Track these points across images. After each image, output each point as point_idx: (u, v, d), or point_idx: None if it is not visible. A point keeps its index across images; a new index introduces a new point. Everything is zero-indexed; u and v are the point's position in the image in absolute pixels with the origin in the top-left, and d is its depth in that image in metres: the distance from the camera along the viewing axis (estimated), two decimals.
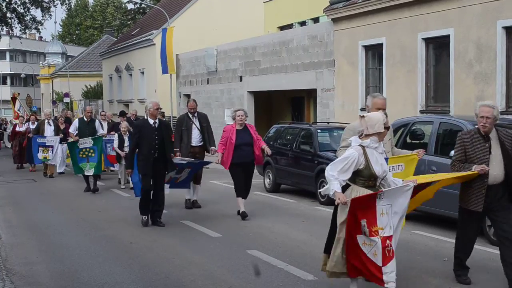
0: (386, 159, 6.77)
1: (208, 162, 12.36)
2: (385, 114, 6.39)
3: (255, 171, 11.86)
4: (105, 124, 18.70)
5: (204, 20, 33.16)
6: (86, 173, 15.44)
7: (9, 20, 37.71)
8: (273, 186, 15.33)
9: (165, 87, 29.69)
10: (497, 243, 9.00)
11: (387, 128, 6.28)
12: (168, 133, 11.20)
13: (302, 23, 25.94)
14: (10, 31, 40.21)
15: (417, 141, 11.20)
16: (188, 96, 29.10)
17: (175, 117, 28.02)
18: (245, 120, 11.48)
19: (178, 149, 12.27)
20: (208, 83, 27.13)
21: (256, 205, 12.70)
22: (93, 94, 51.56)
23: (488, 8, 13.50)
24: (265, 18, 29.86)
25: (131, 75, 38.65)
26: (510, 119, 11.36)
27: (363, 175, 6.19)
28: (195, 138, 12.60)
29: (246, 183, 11.50)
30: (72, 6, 79.92)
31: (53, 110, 46.37)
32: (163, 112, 18.49)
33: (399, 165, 7.28)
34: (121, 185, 16.15)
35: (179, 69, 29.57)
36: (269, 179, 15.56)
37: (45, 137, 18.81)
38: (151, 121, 10.72)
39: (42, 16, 39.41)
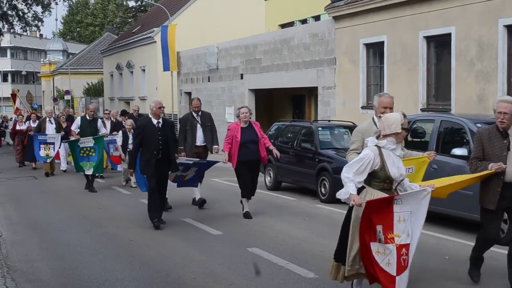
0: None
1: (215, 162, 12.04)
2: (404, 115, 6.16)
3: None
4: (108, 123, 18.62)
5: (205, 18, 33.15)
6: (86, 173, 15.32)
7: (10, 18, 37.65)
8: (274, 184, 15.34)
9: (166, 84, 29.70)
10: (504, 242, 9.03)
11: (405, 129, 6.06)
12: (173, 132, 10.92)
13: (303, 21, 25.91)
14: (12, 29, 40.08)
15: (418, 140, 11.20)
16: (189, 94, 29.09)
17: (176, 115, 28.09)
18: (250, 118, 11.34)
19: (183, 148, 12.13)
20: (209, 81, 27.12)
21: (257, 203, 12.69)
22: (94, 91, 51.57)
23: (489, 6, 13.49)
24: (266, 16, 29.84)
25: (132, 72, 38.65)
26: None
27: (378, 177, 5.98)
28: (200, 137, 12.43)
29: (253, 181, 11.35)
30: (73, 2, 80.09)
31: (54, 107, 46.41)
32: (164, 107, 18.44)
33: (409, 168, 7.07)
34: (122, 182, 16.14)
35: (180, 66, 29.56)
36: (270, 177, 15.56)
37: (46, 134, 18.65)
38: (154, 121, 10.47)
39: (42, 13, 39.35)
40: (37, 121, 20.60)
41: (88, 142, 15.42)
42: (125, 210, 12.49)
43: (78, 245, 9.18)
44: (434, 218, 10.68)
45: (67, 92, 50.85)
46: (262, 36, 23.84)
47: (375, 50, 17.41)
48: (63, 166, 19.69)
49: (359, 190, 6.01)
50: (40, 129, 18.93)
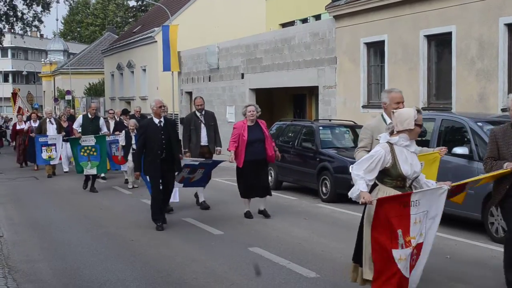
0: None
1: (221, 161, 11.87)
2: (418, 110, 5.93)
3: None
4: (112, 123, 18.54)
5: (206, 17, 33.15)
6: (86, 173, 15.10)
7: (11, 18, 37.63)
8: (275, 184, 15.32)
9: (167, 84, 29.70)
10: (498, 239, 9.03)
11: (419, 125, 5.85)
12: (175, 132, 10.76)
13: (304, 20, 25.90)
14: (12, 29, 40.03)
15: (419, 138, 11.16)
16: (189, 93, 29.09)
17: (177, 114, 28.08)
18: (257, 116, 11.12)
19: (187, 150, 11.96)
20: (209, 81, 27.11)
21: (257, 203, 12.69)
22: (95, 91, 51.59)
23: (490, 5, 13.48)
24: (266, 15, 29.82)
25: (132, 72, 38.66)
26: None
27: (390, 175, 5.79)
28: (204, 137, 12.23)
29: (264, 181, 11.13)
30: (74, 1, 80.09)
31: (54, 107, 46.42)
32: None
33: (419, 163, 6.91)
34: (129, 185, 15.67)
35: (181, 66, 29.55)
36: (271, 176, 15.53)
37: (46, 136, 18.51)
38: (156, 120, 10.35)
39: (41, 12, 39.32)
40: (37, 121, 20.54)
41: (89, 140, 15.27)
42: (126, 210, 12.48)
43: (79, 245, 9.18)
44: None
45: (68, 92, 50.87)
46: (262, 36, 23.83)
47: (376, 49, 17.40)
48: (65, 168, 19.51)
49: (372, 188, 5.85)
50: (41, 130, 18.81)
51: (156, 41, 33.45)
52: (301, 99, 23.80)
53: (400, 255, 5.54)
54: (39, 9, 38.87)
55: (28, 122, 21.96)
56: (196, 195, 12.57)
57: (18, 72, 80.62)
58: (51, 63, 64.69)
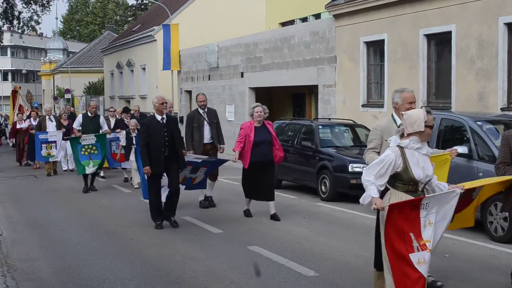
0: None
1: (225, 160, 11.71)
2: (428, 111, 5.72)
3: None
4: (112, 120, 18.42)
5: (206, 16, 33.13)
6: (88, 171, 14.86)
7: (9, 16, 37.56)
8: (275, 182, 15.31)
9: (167, 83, 29.71)
10: (497, 238, 9.04)
11: (429, 126, 5.62)
12: (177, 128, 10.53)
13: (304, 19, 25.90)
14: (12, 28, 39.98)
15: None
16: (189, 92, 29.08)
17: (176, 113, 28.05)
18: (264, 117, 10.94)
19: (191, 150, 11.67)
20: (209, 79, 27.11)
21: (256, 202, 12.69)
22: (94, 90, 51.59)
23: (489, 4, 13.47)
24: (266, 14, 29.82)
25: (132, 71, 38.65)
26: None
27: (402, 179, 5.60)
28: (207, 135, 12.06)
29: (269, 184, 10.91)
30: (73, 2, 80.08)
31: (54, 106, 46.39)
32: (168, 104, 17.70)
33: None
34: (135, 185, 15.19)
35: (180, 65, 29.55)
36: None
37: (46, 132, 18.45)
38: (158, 117, 10.19)
39: (42, 10, 39.26)
40: (37, 119, 20.51)
41: (90, 139, 15.06)
42: (125, 208, 12.48)
43: (78, 243, 9.18)
44: None
45: (68, 91, 50.85)
46: (262, 35, 23.82)
47: (376, 48, 17.39)
48: (64, 166, 19.42)
49: (384, 192, 5.66)
50: (41, 127, 18.79)
51: (155, 40, 33.44)
52: (300, 98, 23.80)
53: (418, 258, 5.36)
54: (39, 8, 38.76)
55: (28, 120, 21.86)
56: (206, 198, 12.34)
57: (18, 71, 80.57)
58: (51, 61, 64.65)
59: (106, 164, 16.32)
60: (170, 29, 28.25)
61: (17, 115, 23.90)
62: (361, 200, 5.62)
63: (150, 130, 10.12)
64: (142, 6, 60.31)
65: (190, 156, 11.02)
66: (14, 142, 24.04)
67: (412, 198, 5.55)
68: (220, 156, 12.38)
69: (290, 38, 21.04)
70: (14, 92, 29.30)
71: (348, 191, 13.03)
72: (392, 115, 6.73)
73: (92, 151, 14.98)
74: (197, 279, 7.20)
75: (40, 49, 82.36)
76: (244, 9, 33.54)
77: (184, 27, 29.61)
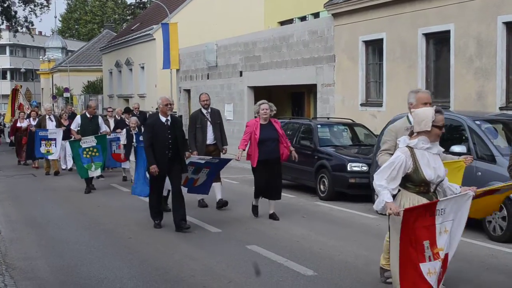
0: None
1: (228, 160, 11.37)
2: (439, 111, 5.54)
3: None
4: (111, 120, 18.28)
5: (204, 15, 33.13)
6: (91, 175, 14.64)
7: (6, 14, 37.46)
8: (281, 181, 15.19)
9: (165, 82, 29.71)
10: (495, 238, 9.04)
11: (437, 126, 5.44)
12: (181, 130, 10.35)
13: (303, 18, 25.90)
14: (11, 27, 39.87)
15: None
16: (188, 91, 29.08)
17: (175, 112, 28.04)
18: (271, 115, 10.71)
19: (195, 151, 11.41)
20: (208, 78, 27.11)
21: (266, 206, 12.68)
22: (93, 89, 51.57)
23: (488, 3, 13.48)
24: (265, 13, 29.82)
25: (131, 70, 38.64)
26: (511, 115, 11.35)
27: (412, 180, 5.47)
28: (211, 135, 11.86)
29: (276, 182, 10.72)
30: (72, 1, 79.99)
31: (53, 105, 46.31)
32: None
33: None
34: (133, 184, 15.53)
35: (179, 64, 29.56)
36: None
37: (47, 130, 18.27)
38: (163, 119, 9.98)
39: (40, 9, 39.15)
40: (37, 119, 20.44)
41: (90, 141, 14.71)
42: (124, 207, 12.47)
43: (76, 242, 9.17)
44: None
45: (66, 90, 50.83)
46: (261, 34, 23.82)
47: (374, 47, 17.40)
48: (63, 165, 19.16)
49: (395, 195, 5.53)
50: (40, 126, 18.72)
51: (154, 39, 33.44)
52: (299, 97, 23.81)
53: (428, 268, 5.23)
54: (38, 9, 38.65)
55: (28, 119, 21.70)
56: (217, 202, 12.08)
57: (16, 70, 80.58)
58: (50, 60, 64.62)
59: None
60: (169, 28, 28.23)
61: (19, 114, 23.71)
62: (374, 206, 5.50)
63: (154, 131, 9.92)
64: (141, 5, 60.28)
65: (193, 157, 10.81)
66: (13, 140, 23.90)
67: (425, 200, 5.42)
68: (223, 156, 12.09)
69: (288, 37, 21.04)
70: (15, 91, 29.20)
71: (347, 190, 13.04)
72: (407, 116, 6.59)
73: (93, 154, 14.66)
74: (195, 278, 7.20)
75: (39, 48, 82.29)
76: (243, 8, 33.55)
77: (183, 26, 29.61)
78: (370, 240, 9.18)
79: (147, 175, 10.48)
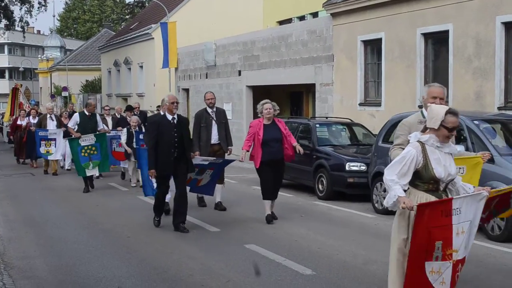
0: None
1: (231, 161, 11.25)
2: (452, 112, 5.25)
3: (252, 165, 11.10)
4: (109, 119, 18.18)
5: (203, 14, 33.13)
6: (89, 173, 14.45)
7: (9, 13, 37.46)
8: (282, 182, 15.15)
9: (164, 81, 29.71)
10: (494, 237, 9.05)
11: (447, 128, 5.20)
12: (187, 130, 10.15)
13: (301, 18, 25.90)
14: (10, 26, 39.81)
15: None
16: (186, 90, 29.08)
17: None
18: (274, 114, 10.56)
19: (197, 151, 11.18)
20: (206, 78, 27.10)
21: (254, 200, 12.70)
22: (92, 88, 51.56)
23: (487, 3, 13.49)
24: (264, 12, 29.81)
25: (129, 69, 38.63)
26: (509, 115, 11.36)
27: (421, 177, 5.26)
28: (215, 135, 11.70)
29: (276, 183, 10.56)
30: (69, 1, 79.91)
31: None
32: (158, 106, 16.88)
33: (460, 168, 6.25)
34: (132, 184, 15.22)
35: (178, 63, 29.55)
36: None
37: (47, 130, 18.15)
38: (169, 117, 9.75)
39: (38, 8, 39.16)
40: (37, 117, 20.24)
41: (89, 139, 14.52)
42: (123, 206, 12.47)
43: (75, 241, 9.17)
44: None
45: (65, 89, 50.80)
46: (260, 33, 23.82)
47: (373, 47, 17.40)
48: (66, 165, 18.98)
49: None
50: (41, 126, 18.55)
51: (153, 38, 33.42)
52: (298, 97, 23.81)
53: (432, 267, 5.06)
54: (35, 9, 38.60)
55: (27, 118, 21.60)
56: (200, 198, 12.08)
57: (15, 68, 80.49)
58: (48, 59, 64.59)
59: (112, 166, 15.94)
60: (167, 27, 28.23)
61: (19, 112, 23.63)
62: (385, 202, 5.31)
63: (160, 129, 9.70)
64: (140, 4, 60.26)
65: (197, 159, 10.57)
66: (12, 138, 23.82)
67: (433, 198, 5.23)
68: (227, 157, 11.99)
69: (287, 36, 21.04)
70: (15, 90, 29.19)
71: (345, 189, 13.05)
72: (422, 111, 6.49)
73: (91, 152, 14.47)
74: (194, 278, 7.20)
75: (37, 47, 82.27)
76: (242, 7, 33.56)
77: (181, 25, 29.60)
78: (368, 240, 9.19)
79: (149, 177, 10.40)
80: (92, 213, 11.72)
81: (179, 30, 28.60)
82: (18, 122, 21.86)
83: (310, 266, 7.57)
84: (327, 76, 18.97)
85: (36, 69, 69.42)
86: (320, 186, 13.48)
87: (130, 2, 65.55)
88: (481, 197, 5.29)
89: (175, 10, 33.86)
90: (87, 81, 52.82)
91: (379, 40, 16.76)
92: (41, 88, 67.02)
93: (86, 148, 14.44)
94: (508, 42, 13.20)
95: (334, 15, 18.56)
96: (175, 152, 9.67)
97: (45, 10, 41.75)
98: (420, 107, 14.99)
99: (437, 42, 15.28)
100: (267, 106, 10.48)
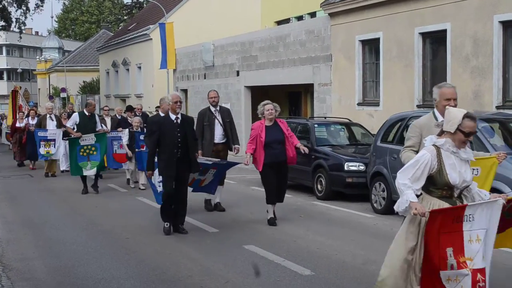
0: None
1: (236, 163, 11.06)
2: (470, 117, 5.04)
3: (251, 165, 10.98)
4: (108, 119, 18.09)
5: (201, 15, 33.13)
6: (85, 173, 14.29)
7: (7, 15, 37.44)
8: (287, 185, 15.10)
9: (162, 82, 29.70)
10: None
11: (464, 132, 5.00)
12: (192, 130, 9.92)
13: (299, 18, 25.91)
14: (8, 27, 39.79)
15: None
16: (185, 91, 29.07)
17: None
18: (276, 115, 10.33)
19: (200, 150, 11.01)
20: (205, 78, 27.10)
21: (252, 201, 12.70)
22: (90, 89, 51.55)
23: (484, 2, 13.49)
24: (262, 13, 29.81)
25: (128, 70, 38.61)
26: (508, 114, 11.36)
27: (435, 183, 5.06)
28: (218, 134, 11.53)
29: (280, 185, 10.34)
30: (67, 2, 79.88)
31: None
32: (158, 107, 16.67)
33: (474, 169, 6.03)
34: (131, 185, 15.17)
35: (176, 63, 29.55)
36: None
37: (46, 130, 17.96)
38: (172, 117, 9.52)
39: (34, 9, 39.12)
40: (36, 118, 20.07)
41: (89, 139, 14.35)
42: (121, 207, 12.46)
43: (74, 243, 9.16)
44: None
45: (63, 90, 50.77)
46: (258, 33, 23.83)
47: (371, 46, 17.41)
48: (62, 166, 18.97)
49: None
50: (40, 126, 18.34)
51: (151, 39, 33.42)
52: (296, 97, 23.82)
53: (449, 276, 4.85)
54: (31, 10, 38.59)
55: (26, 119, 21.50)
56: (207, 201, 11.89)
57: (13, 70, 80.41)
58: (46, 60, 64.57)
59: (105, 163, 15.61)
60: (165, 27, 28.24)
61: (18, 114, 23.54)
62: (395, 207, 5.12)
63: (162, 129, 9.49)
64: (138, 5, 60.26)
65: (200, 159, 10.43)
66: (11, 141, 23.74)
67: (447, 205, 5.04)
68: (233, 158, 11.88)
69: (285, 36, 21.05)
70: (14, 92, 29.19)
71: (344, 189, 13.05)
72: (434, 112, 6.27)
73: (91, 152, 14.30)
74: (192, 278, 7.19)
75: (35, 48, 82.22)
76: (240, 7, 33.56)
77: (179, 26, 29.61)
78: (367, 240, 9.19)
79: (152, 180, 10.31)
80: (91, 215, 11.70)
81: (177, 31, 28.60)
82: (17, 125, 21.78)
83: (309, 266, 7.56)
84: (325, 76, 18.97)
85: (34, 70, 69.43)
86: (319, 186, 13.48)
87: (128, 3, 65.52)
88: (497, 205, 5.02)
89: (173, 11, 33.86)
90: (84, 82, 52.78)
91: (377, 39, 16.77)
92: (39, 89, 66.98)
93: (85, 147, 14.29)
94: (506, 41, 13.22)
95: (332, 15, 18.57)
96: (178, 152, 9.43)
97: (41, 11, 41.63)
98: (419, 106, 15.10)
99: (435, 41, 15.29)
100: (269, 107, 10.26)
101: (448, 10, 14.42)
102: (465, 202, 5.14)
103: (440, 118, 6.02)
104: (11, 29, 40.10)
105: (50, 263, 8.04)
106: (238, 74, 24.30)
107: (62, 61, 58.05)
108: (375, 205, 11.70)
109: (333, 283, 6.94)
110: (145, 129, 14.46)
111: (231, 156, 12.19)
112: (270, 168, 10.12)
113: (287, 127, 10.47)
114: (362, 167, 12.79)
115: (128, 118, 16.91)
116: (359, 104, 17.62)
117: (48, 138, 17.99)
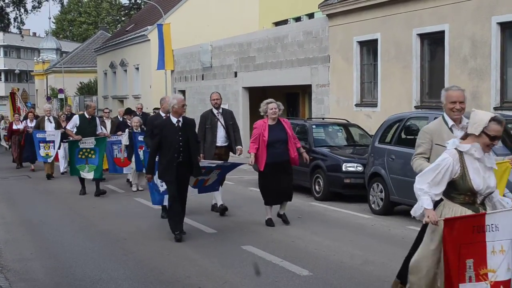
0: None
1: (240, 164, 10.98)
2: (497, 120, 4.84)
3: (250, 166, 11.01)
4: (108, 122, 17.93)
5: (199, 16, 33.10)
6: (83, 176, 14.18)
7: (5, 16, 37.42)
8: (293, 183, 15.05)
9: (160, 83, 29.67)
10: None
11: (489, 136, 4.82)
12: (194, 133, 9.69)
13: (297, 19, 25.92)
14: (7, 27, 39.76)
15: (412, 137, 11.20)
16: (183, 92, 29.04)
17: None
18: (279, 114, 10.15)
19: (201, 153, 10.69)
20: (203, 79, 27.10)
21: (251, 201, 12.70)
22: (88, 90, 51.53)
23: (482, 3, 13.51)
24: (260, 13, 29.83)
25: (125, 71, 38.58)
26: (505, 115, 11.36)
27: (457, 188, 4.85)
28: (221, 137, 11.26)
29: (286, 185, 10.20)
30: (65, 3, 79.76)
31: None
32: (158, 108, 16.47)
33: None
34: (133, 188, 14.98)
35: (174, 64, 29.54)
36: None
37: (45, 131, 17.73)
38: (174, 120, 9.26)
39: (31, 11, 39.11)
40: (34, 120, 19.90)
41: (89, 143, 14.19)
42: (119, 208, 12.45)
43: (71, 243, 9.15)
44: None
45: (61, 91, 50.74)
46: (256, 34, 23.84)
47: (369, 47, 17.42)
48: (62, 168, 18.48)
49: (436, 203, 4.94)
50: (39, 128, 18.18)
51: (149, 40, 33.39)
52: (294, 98, 23.82)
53: None
54: (29, 10, 38.54)
55: (24, 121, 21.37)
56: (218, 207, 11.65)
57: (11, 71, 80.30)
58: (44, 61, 64.51)
59: (106, 165, 15.45)
60: (163, 28, 28.24)
61: (14, 116, 23.46)
62: (412, 211, 4.95)
63: (164, 132, 9.22)
64: (136, 6, 60.26)
65: (204, 162, 10.22)
66: (9, 143, 23.67)
67: (470, 212, 4.84)
68: (236, 159, 11.65)
69: (283, 37, 21.05)
70: (13, 94, 29.17)
71: (342, 190, 13.05)
72: (443, 116, 6.10)
73: (89, 155, 14.15)
74: (190, 279, 7.19)
75: (33, 49, 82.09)
76: (238, 8, 33.54)
77: (177, 27, 29.59)
78: (365, 240, 9.19)
79: (154, 182, 10.22)
80: (89, 215, 11.70)
81: (175, 32, 28.59)
82: (14, 127, 21.68)
83: (307, 267, 7.57)
84: (323, 77, 18.98)
85: (32, 71, 69.33)
86: (316, 187, 13.49)
87: (126, 4, 65.49)
88: None
89: (171, 12, 33.83)
90: (82, 83, 52.73)
91: (375, 41, 16.78)
92: (37, 90, 66.91)
93: (84, 150, 14.16)
94: (504, 42, 13.23)
95: (330, 16, 18.58)
96: (179, 156, 9.18)
97: (38, 11, 41.67)
98: (417, 107, 15.11)
99: (433, 42, 15.31)
100: (272, 106, 10.06)
101: (446, 11, 14.43)
102: (489, 210, 4.96)
103: (450, 122, 5.92)
104: (9, 29, 40.02)
105: (48, 263, 8.04)
106: (236, 75, 24.30)
107: (59, 62, 57.99)
108: (373, 206, 11.70)
109: (331, 283, 6.94)
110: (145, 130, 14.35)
111: (234, 157, 12.08)
112: (271, 169, 10.00)
113: (290, 127, 10.33)
114: (360, 168, 12.80)
115: (127, 121, 16.61)
116: (357, 105, 17.63)
117: (47, 139, 17.77)
